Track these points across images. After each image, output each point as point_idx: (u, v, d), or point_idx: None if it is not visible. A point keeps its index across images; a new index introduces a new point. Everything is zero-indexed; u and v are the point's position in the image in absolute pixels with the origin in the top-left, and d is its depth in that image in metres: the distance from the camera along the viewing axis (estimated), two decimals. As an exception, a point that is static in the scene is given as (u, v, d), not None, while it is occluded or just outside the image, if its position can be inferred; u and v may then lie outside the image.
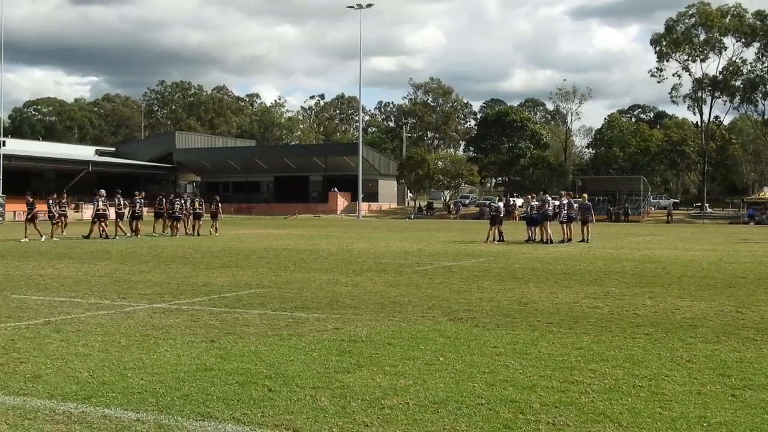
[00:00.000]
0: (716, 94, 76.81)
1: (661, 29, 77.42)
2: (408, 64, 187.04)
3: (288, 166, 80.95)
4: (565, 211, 26.08)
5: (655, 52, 77.30)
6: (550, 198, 26.55)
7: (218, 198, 33.82)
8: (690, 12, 75.05)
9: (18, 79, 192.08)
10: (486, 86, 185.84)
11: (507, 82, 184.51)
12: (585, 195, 29.46)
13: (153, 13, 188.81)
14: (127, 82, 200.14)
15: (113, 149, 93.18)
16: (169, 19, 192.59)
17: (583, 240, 25.94)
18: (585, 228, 26.45)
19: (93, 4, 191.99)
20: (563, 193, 28.31)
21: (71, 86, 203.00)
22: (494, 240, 26.23)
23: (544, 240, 25.57)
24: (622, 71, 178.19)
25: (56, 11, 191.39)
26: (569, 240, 25.74)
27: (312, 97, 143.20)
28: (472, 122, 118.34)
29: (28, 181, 71.13)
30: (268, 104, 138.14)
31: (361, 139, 76.17)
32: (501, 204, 29.38)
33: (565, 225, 26.14)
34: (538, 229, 26.26)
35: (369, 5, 67.82)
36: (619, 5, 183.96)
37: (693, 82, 77.03)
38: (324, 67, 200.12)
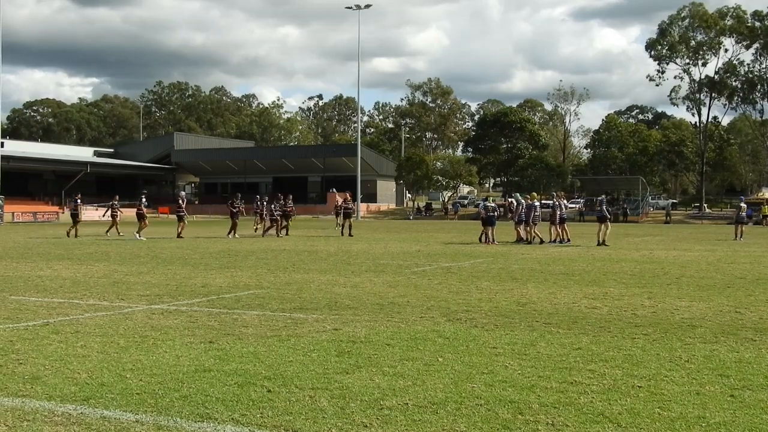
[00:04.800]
0: (714, 95, 76.74)
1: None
2: (410, 65, 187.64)
3: (286, 166, 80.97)
4: (559, 213, 26.26)
5: (651, 56, 77.16)
6: (557, 202, 26.71)
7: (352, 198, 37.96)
8: (682, 14, 74.81)
9: (19, 81, 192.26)
10: (486, 87, 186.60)
11: (507, 83, 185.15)
12: (564, 194, 29.70)
13: (156, 15, 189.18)
14: (129, 84, 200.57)
15: (112, 150, 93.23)
16: (173, 20, 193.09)
17: (562, 239, 26.16)
18: (562, 228, 26.56)
19: (96, 6, 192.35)
20: (557, 194, 28.43)
21: (73, 87, 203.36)
22: (491, 241, 26.27)
23: (536, 239, 25.98)
24: (622, 72, 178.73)
25: (59, 13, 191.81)
26: (569, 240, 25.95)
27: (310, 98, 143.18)
28: (470, 123, 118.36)
29: (26, 182, 71.13)
30: (267, 105, 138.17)
31: (359, 140, 76.11)
32: (494, 204, 29.35)
33: (559, 226, 26.34)
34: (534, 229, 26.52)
35: (367, 6, 67.86)
36: (621, 6, 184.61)
37: (690, 83, 76.98)
38: (325, 69, 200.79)
